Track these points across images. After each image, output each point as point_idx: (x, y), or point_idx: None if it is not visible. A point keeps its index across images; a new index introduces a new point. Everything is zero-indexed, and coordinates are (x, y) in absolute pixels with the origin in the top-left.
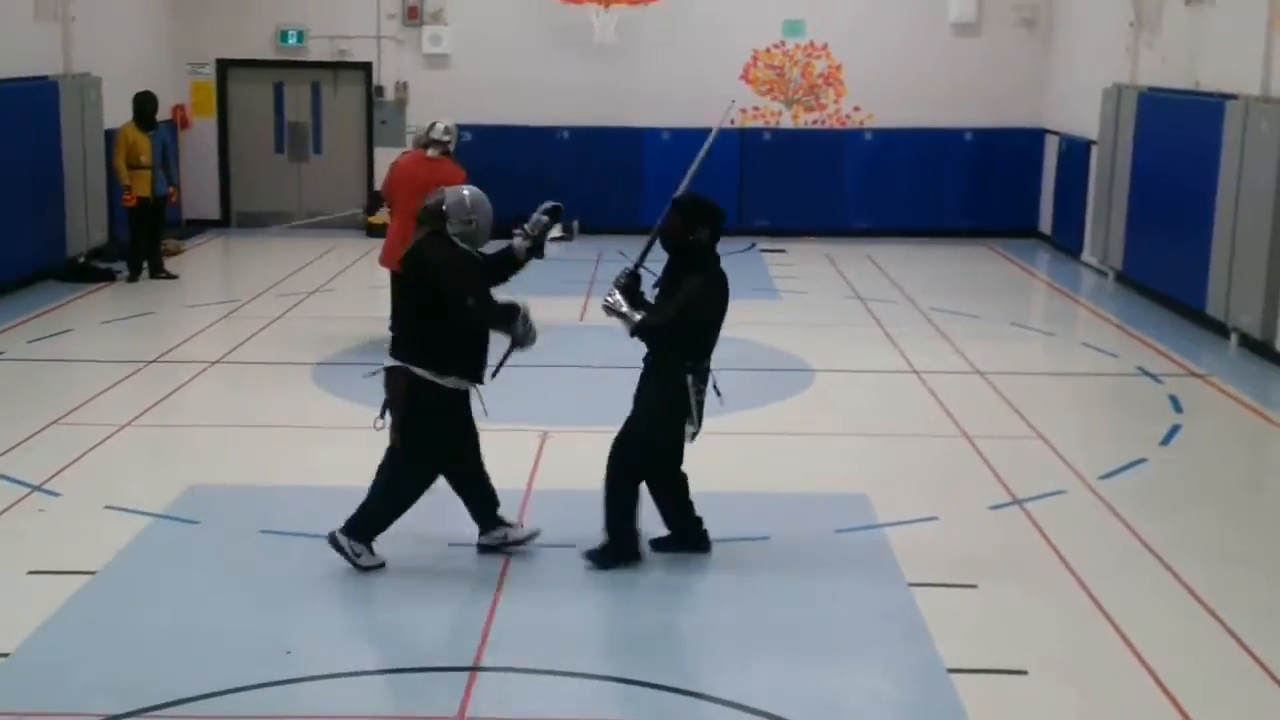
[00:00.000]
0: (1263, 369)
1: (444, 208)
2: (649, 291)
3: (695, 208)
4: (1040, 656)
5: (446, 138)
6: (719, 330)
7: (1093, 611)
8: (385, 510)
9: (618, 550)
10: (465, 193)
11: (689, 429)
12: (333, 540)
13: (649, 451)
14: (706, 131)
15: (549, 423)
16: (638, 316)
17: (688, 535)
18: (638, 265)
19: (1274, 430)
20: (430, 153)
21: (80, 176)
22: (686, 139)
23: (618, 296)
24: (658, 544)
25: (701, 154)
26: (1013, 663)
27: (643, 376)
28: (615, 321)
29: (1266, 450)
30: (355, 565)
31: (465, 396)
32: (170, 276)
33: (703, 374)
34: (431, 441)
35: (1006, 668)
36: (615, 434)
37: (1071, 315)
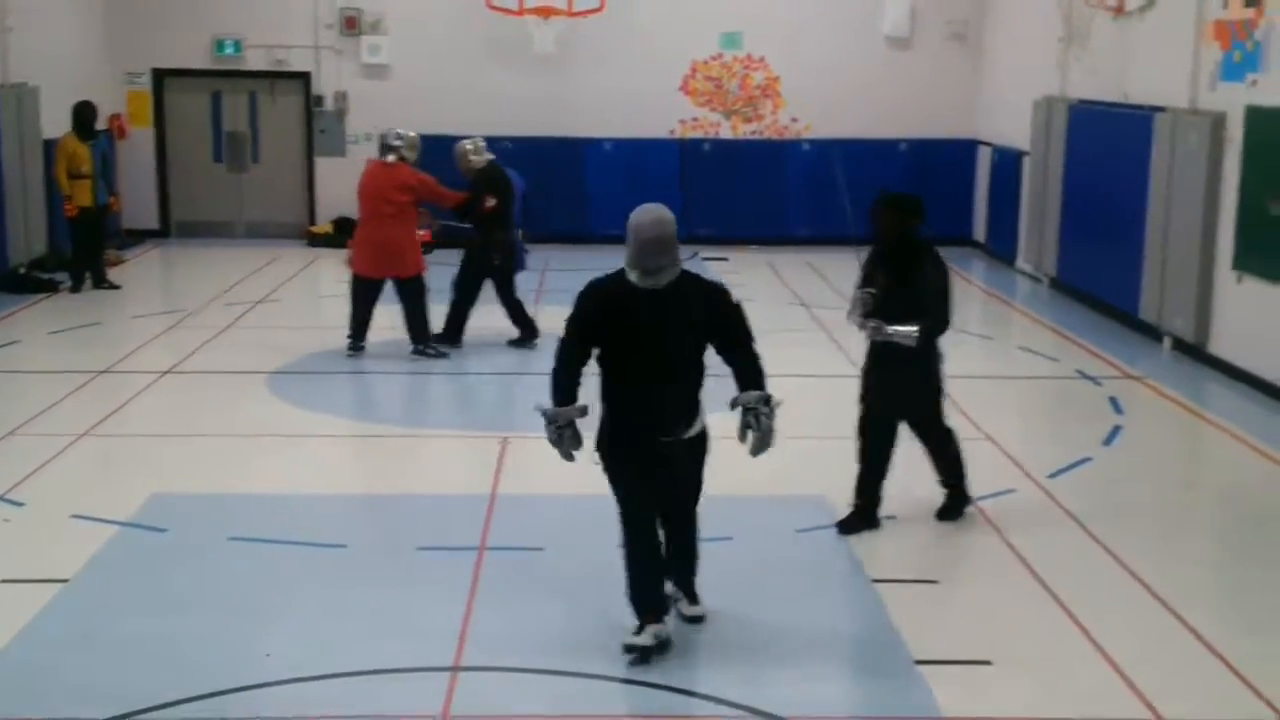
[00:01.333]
0: (1196, 370)
1: None
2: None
3: (904, 201)
4: (1002, 647)
5: (398, 143)
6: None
7: (1049, 602)
8: (630, 575)
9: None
10: (629, 220)
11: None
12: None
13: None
14: (649, 141)
15: (508, 429)
16: (913, 328)
17: (872, 516)
18: (869, 289)
19: (1210, 429)
20: (388, 159)
21: (19, 187)
22: (628, 149)
23: (878, 322)
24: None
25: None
26: (977, 654)
27: (892, 363)
28: None
29: (1203, 448)
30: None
31: (635, 443)
32: (113, 286)
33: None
34: (616, 488)
35: (971, 659)
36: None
37: (1008, 320)
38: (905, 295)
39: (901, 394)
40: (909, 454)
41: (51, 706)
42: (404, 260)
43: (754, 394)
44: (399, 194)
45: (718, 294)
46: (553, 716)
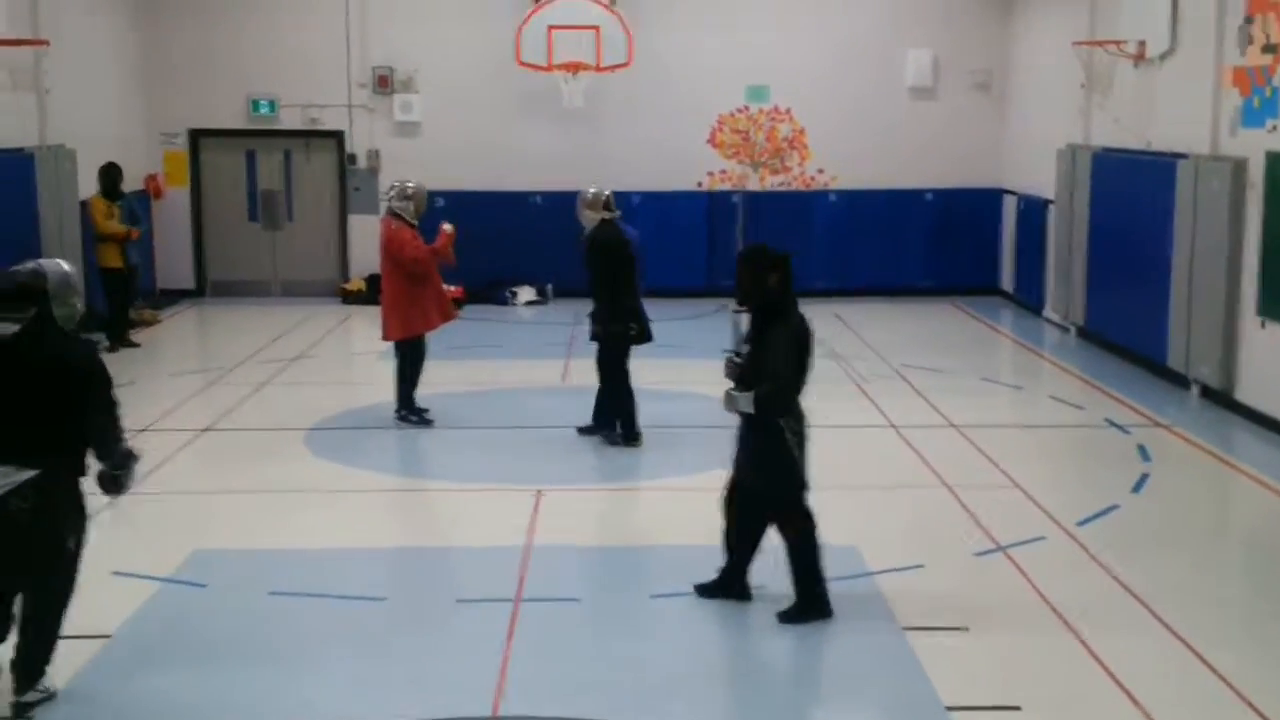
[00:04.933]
0: (1223, 417)
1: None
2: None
3: (757, 255)
4: (1032, 693)
5: (390, 194)
6: (806, 373)
7: (1078, 650)
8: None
9: (812, 607)
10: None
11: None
12: None
13: (802, 505)
14: (677, 194)
15: (542, 482)
16: (749, 394)
17: (733, 585)
18: (734, 353)
19: (1238, 476)
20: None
21: (57, 246)
22: (656, 202)
23: (729, 389)
24: (704, 589)
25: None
26: (1006, 699)
27: (745, 435)
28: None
29: (1232, 495)
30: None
31: None
32: (133, 345)
33: (797, 416)
34: None
35: (1001, 704)
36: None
37: (1037, 369)
38: (760, 357)
39: (750, 465)
40: (932, 504)
41: None
42: (384, 322)
43: None
44: (382, 251)
45: None
46: None
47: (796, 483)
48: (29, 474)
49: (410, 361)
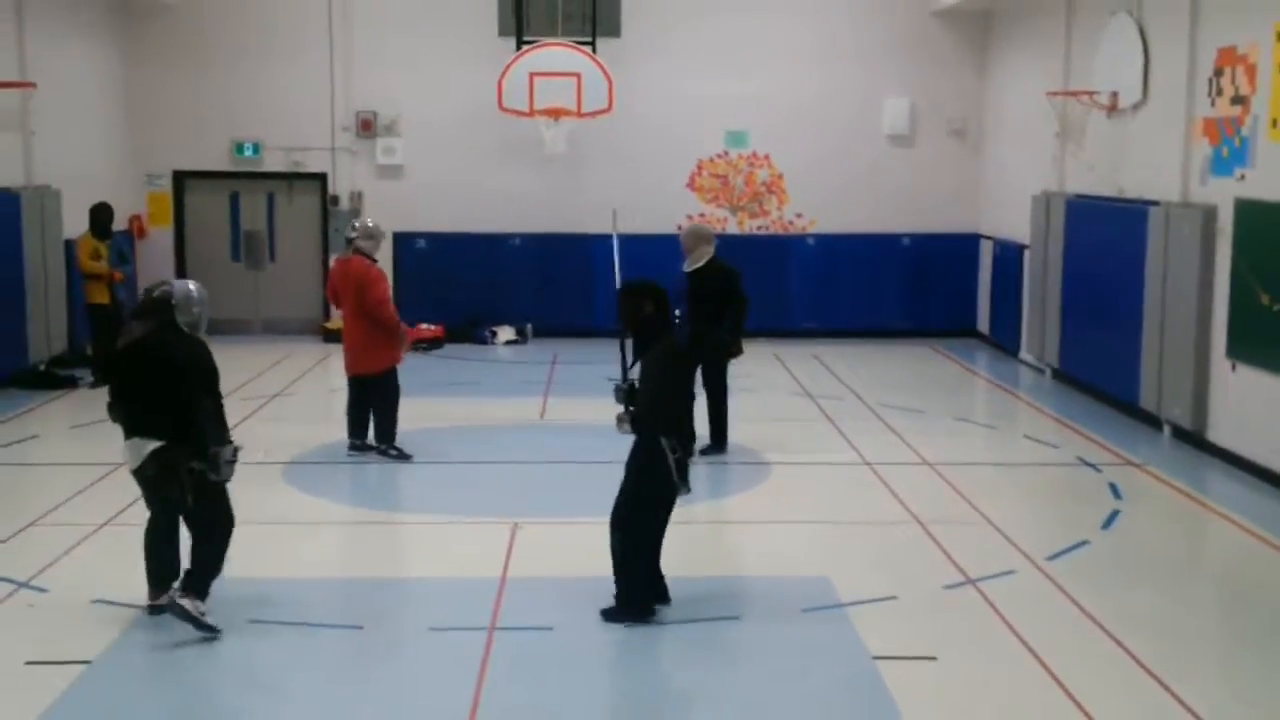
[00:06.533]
0: (1195, 458)
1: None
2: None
3: (634, 287)
4: None
5: (352, 234)
6: (685, 394)
7: (1046, 680)
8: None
9: (630, 608)
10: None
11: (679, 489)
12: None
13: (643, 514)
14: (655, 238)
15: (518, 515)
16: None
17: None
18: (625, 379)
19: (1208, 514)
20: (347, 253)
21: (41, 286)
22: (636, 245)
23: (620, 415)
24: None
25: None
26: None
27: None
28: (574, 419)
29: (1201, 533)
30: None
31: None
32: None
33: (680, 437)
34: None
35: None
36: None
37: (1012, 410)
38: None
39: (627, 466)
40: (904, 538)
41: None
42: (356, 358)
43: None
44: (350, 289)
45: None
46: None
47: (668, 486)
48: (154, 445)
49: (389, 395)
